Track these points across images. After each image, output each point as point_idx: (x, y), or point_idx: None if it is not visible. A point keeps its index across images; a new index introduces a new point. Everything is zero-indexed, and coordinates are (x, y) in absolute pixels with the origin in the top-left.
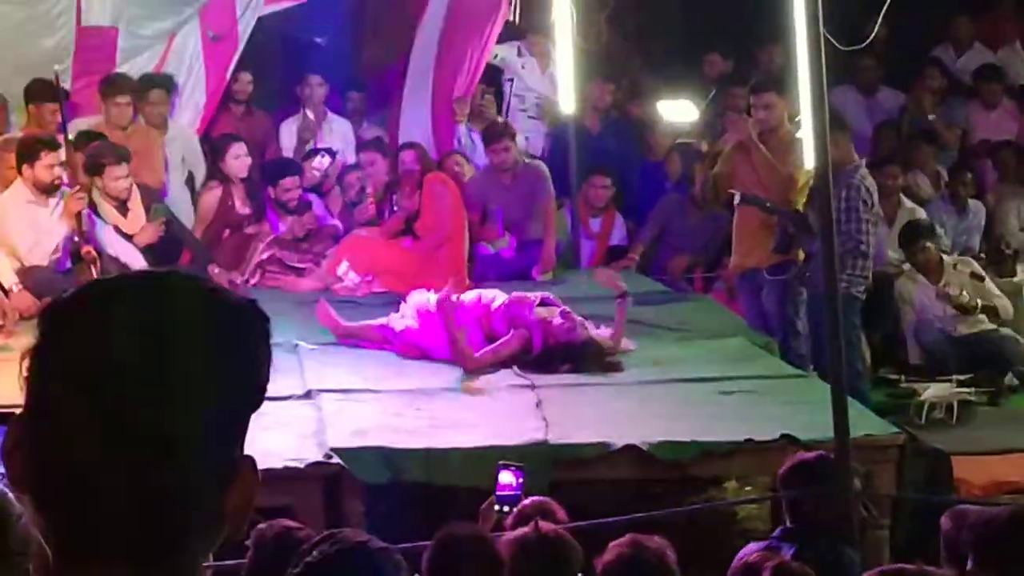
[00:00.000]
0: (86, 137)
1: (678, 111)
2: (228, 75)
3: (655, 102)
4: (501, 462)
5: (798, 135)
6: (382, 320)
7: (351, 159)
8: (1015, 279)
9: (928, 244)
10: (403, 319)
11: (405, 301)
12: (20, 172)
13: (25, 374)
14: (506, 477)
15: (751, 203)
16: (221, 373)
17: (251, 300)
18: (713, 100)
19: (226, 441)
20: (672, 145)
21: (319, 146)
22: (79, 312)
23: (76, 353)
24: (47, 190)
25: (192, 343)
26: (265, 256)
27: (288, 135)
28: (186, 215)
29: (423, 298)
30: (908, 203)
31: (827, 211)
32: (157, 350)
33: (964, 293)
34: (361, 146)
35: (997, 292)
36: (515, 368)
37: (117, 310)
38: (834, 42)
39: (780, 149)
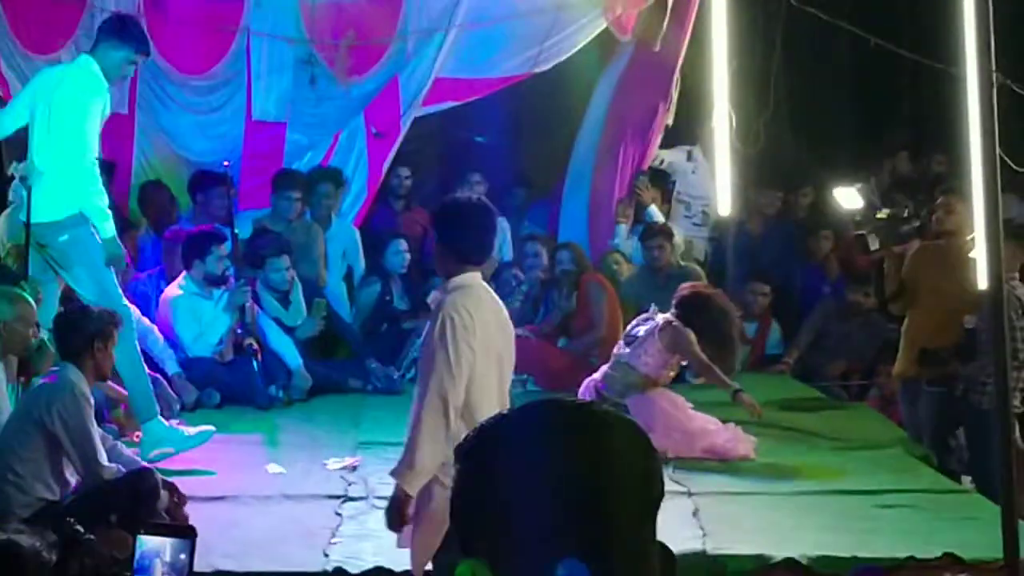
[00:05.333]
0: (249, 230)
1: (846, 198)
2: (384, 169)
3: (820, 199)
4: None
5: (972, 254)
6: None
7: (508, 256)
8: None
9: None
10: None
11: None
12: (189, 267)
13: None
14: None
15: (933, 362)
16: (647, 493)
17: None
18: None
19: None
20: (831, 248)
21: None
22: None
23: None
24: (215, 282)
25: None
26: None
27: None
28: (342, 309)
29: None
30: None
31: (1000, 329)
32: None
33: None
34: (526, 237)
35: None
36: (671, 472)
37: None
38: (1011, 164)
39: (953, 256)
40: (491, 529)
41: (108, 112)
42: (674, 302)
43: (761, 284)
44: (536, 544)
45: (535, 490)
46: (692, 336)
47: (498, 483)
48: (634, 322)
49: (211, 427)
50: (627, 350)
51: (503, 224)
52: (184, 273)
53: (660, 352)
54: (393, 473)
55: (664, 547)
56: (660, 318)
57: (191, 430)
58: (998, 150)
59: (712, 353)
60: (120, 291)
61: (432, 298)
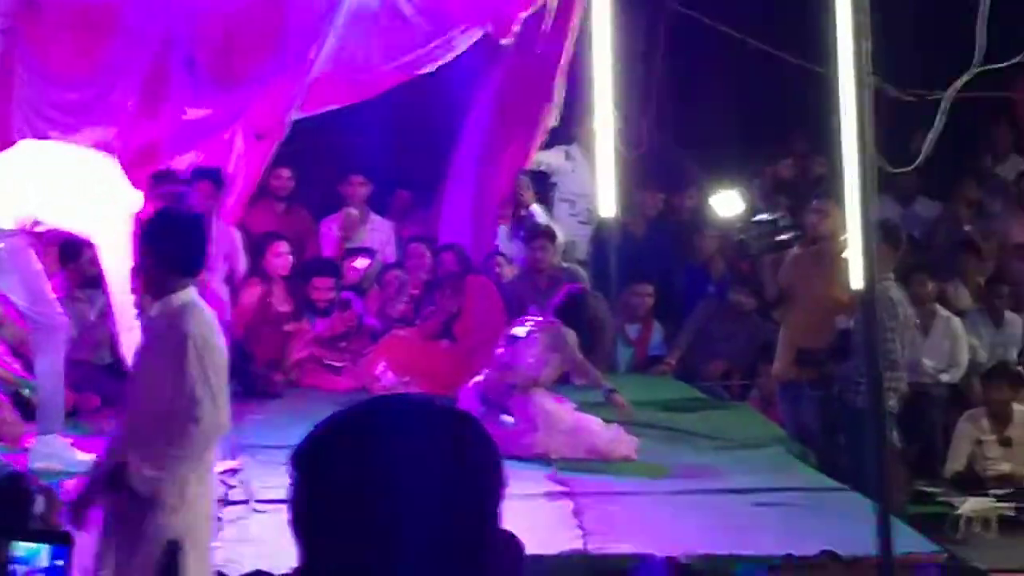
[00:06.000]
0: None
1: (727, 203)
2: (263, 170)
3: (703, 201)
4: None
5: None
6: None
7: (391, 258)
8: None
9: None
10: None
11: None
12: (64, 267)
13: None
14: None
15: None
16: (495, 484)
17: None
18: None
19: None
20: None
21: (360, 245)
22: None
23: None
24: (91, 284)
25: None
26: (303, 354)
27: (329, 233)
28: (223, 312)
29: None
30: (944, 312)
31: (872, 328)
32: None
33: None
34: (410, 239)
35: None
36: (554, 474)
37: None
38: (886, 166)
39: (828, 259)
40: (340, 532)
41: None
42: (553, 304)
43: (644, 285)
44: (388, 540)
45: (386, 488)
46: (572, 336)
47: (346, 485)
48: (515, 323)
49: None
50: (507, 351)
51: (384, 226)
52: (61, 276)
53: (540, 352)
54: (141, 480)
55: (512, 535)
56: (540, 319)
57: (82, 455)
58: (872, 152)
59: (586, 354)
60: (55, 301)
61: (155, 313)
